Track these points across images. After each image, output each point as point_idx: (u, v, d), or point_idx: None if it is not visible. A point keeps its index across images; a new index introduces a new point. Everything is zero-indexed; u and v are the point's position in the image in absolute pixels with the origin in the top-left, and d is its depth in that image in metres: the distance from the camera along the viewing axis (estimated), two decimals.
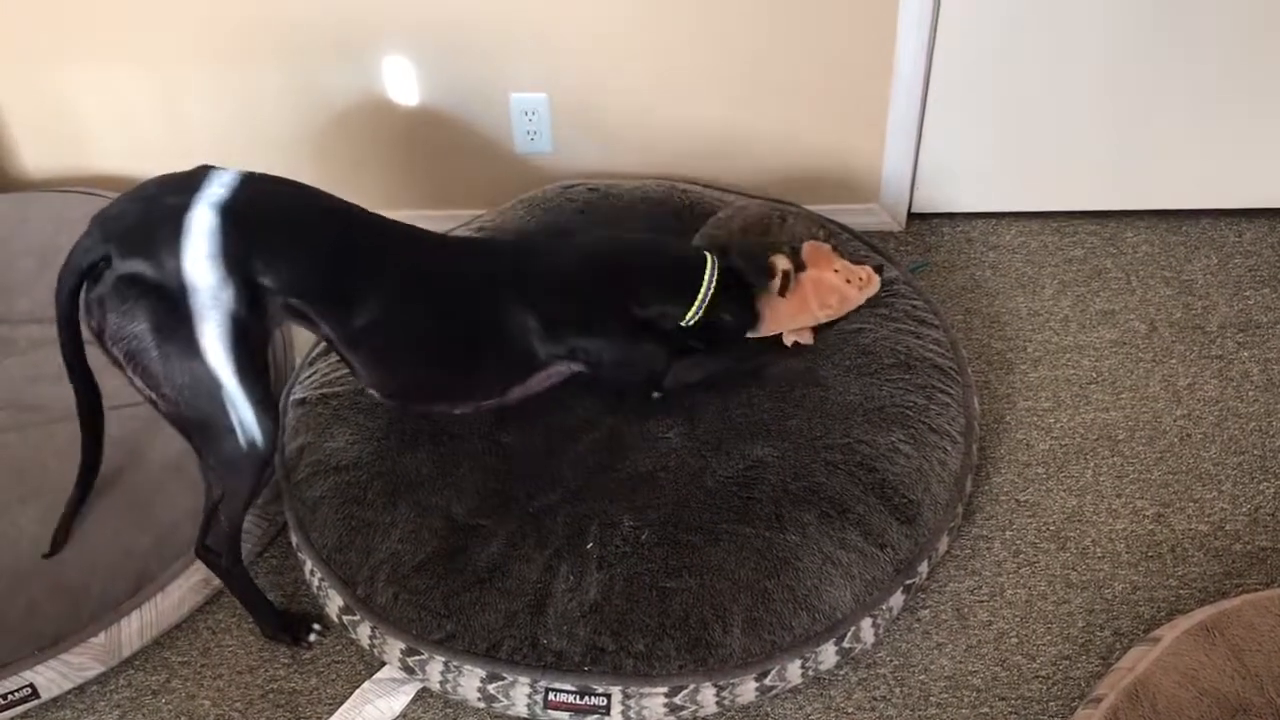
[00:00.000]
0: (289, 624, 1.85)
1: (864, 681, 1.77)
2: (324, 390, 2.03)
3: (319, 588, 1.84)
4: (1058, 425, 2.16)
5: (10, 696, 1.71)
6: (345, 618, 1.79)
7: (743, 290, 1.93)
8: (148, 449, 1.95)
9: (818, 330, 2.07)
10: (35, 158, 2.64)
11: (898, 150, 2.53)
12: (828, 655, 1.73)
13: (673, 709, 1.66)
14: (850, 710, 1.74)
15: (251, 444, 1.63)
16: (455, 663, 1.68)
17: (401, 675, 1.78)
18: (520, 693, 1.67)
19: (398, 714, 1.76)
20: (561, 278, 1.85)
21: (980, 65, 2.41)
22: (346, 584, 1.78)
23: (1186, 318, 2.38)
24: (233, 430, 1.61)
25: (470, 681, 1.68)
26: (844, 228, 2.33)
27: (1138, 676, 1.56)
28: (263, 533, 1.99)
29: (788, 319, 1.99)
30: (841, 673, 1.79)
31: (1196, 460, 2.09)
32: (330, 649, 1.85)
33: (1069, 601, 1.87)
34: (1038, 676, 1.78)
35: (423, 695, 1.78)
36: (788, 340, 2.04)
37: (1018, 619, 1.85)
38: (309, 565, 1.85)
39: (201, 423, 1.61)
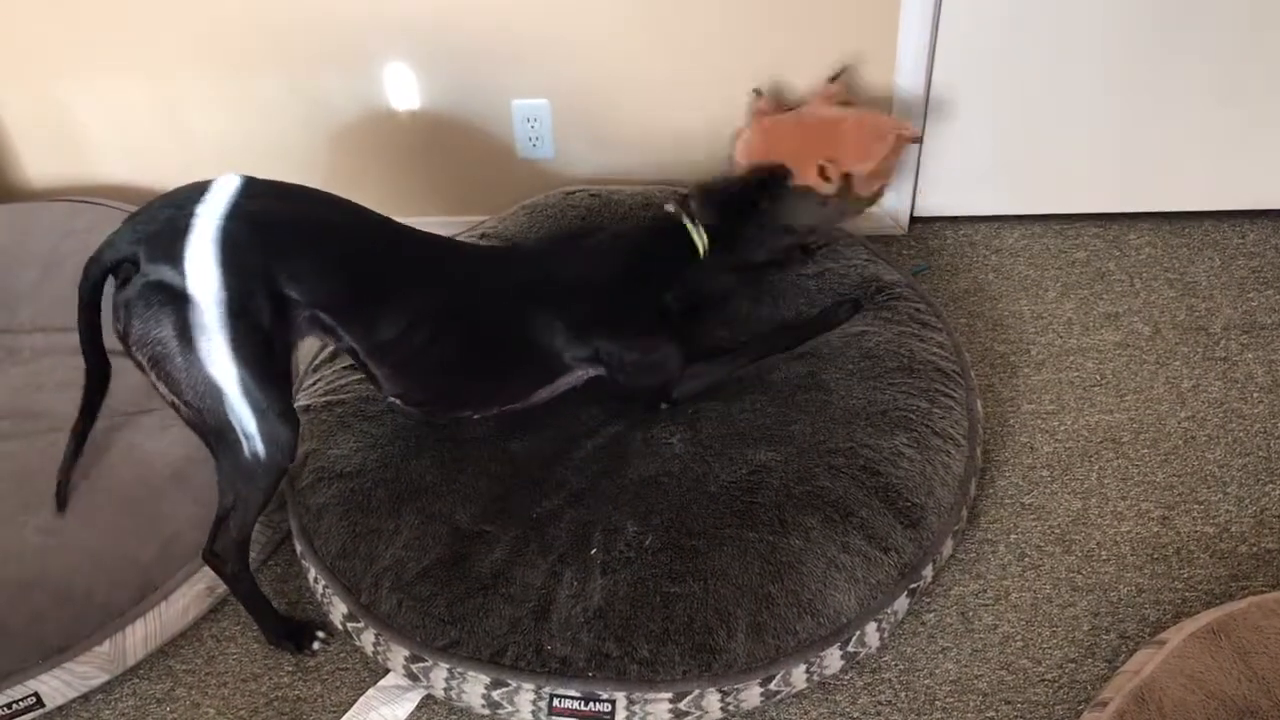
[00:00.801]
0: (293, 631, 1.85)
1: (869, 686, 1.77)
2: (328, 397, 2.03)
3: (323, 595, 1.84)
4: (1062, 428, 2.16)
5: (15, 706, 1.71)
6: (349, 625, 1.79)
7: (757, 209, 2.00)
8: (151, 457, 1.95)
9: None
10: (37, 167, 2.65)
11: None
12: (833, 659, 1.72)
13: (678, 714, 1.66)
14: (856, 715, 1.74)
15: (269, 453, 1.63)
16: (459, 669, 1.68)
17: (406, 682, 1.78)
18: (525, 699, 1.66)
19: None
20: (583, 279, 1.89)
21: (981, 69, 2.40)
22: (350, 591, 1.78)
23: (1190, 320, 2.37)
24: (249, 438, 1.61)
25: (474, 688, 1.68)
26: (846, 231, 2.33)
27: (1144, 680, 1.56)
28: (267, 540, 1.99)
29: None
30: (847, 678, 1.78)
31: (1201, 462, 2.08)
32: (334, 656, 1.85)
33: (1074, 605, 1.87)
34: (1043, 680, 1.77)
35: (427, 702, 1.78)
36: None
37: (1023, 622, 1.85)
38: (313, 573, 1.85)
39: (220, 430, 1.61)
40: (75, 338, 2.19)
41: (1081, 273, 2.50)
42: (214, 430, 1.62)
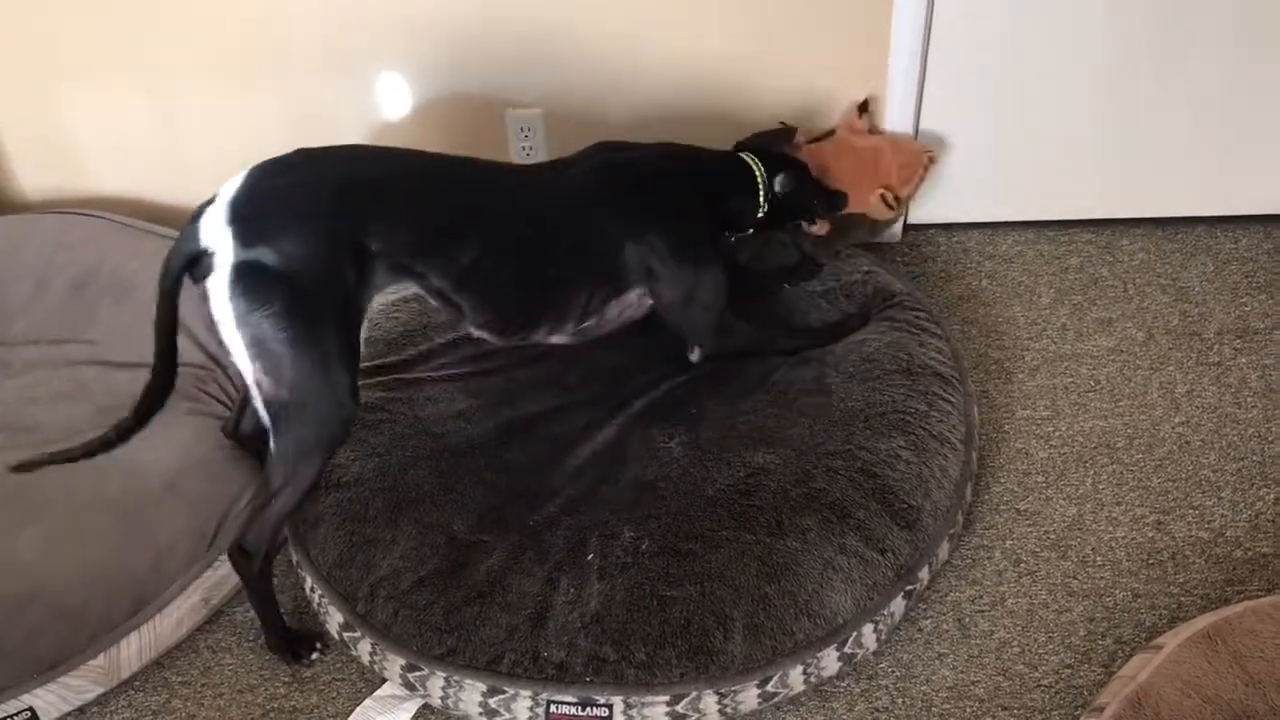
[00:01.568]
0: (293, 640, 1.85)
1: (866, 693, 1.77)
2: None
3: (319, 604, 1.83)
4: (1056, 433, 2.16)
5: None
6: (346, 634, 1.79)
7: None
8: (145, 469, 1.94)
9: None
10: (32, 180, 2.64)
11: None
12: (830, 661, 1.72)
13: (675, 718, 1.66)
14: None
15: (333, 429, 1.65)
16: (456, 678, 1.68)
17: (403, 692, 1.77)
18: (522, 706, 1.66)
19: None
20: (646, 182, 1.95)
21: (975, 75, 2.41)
22: (347, 600, 1.78)
23: (1183, 325, 2.38)
24: (321, 415, 1.63)
25: (471, 696, 1.68)
26: (843, 241, 2.34)
27: (1140, 684, 1.56)
28: None
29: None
30: (844, 684, 1.78)
31: (1196, 467, 2.09)
32: (331, 666, 1.85)
33: (1070, 610, 1.87)
34: (1040, 686, 1.77)
35: (424, 712, 1.78)
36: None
37: (1019, 628, 1.85)
38: (309, 582, 1.85)
39: (301, 405, 1.62)
40: (68, 350, 2.21)
41: (1075, 279, 2.51)
42: (296, 405, 1.62)
